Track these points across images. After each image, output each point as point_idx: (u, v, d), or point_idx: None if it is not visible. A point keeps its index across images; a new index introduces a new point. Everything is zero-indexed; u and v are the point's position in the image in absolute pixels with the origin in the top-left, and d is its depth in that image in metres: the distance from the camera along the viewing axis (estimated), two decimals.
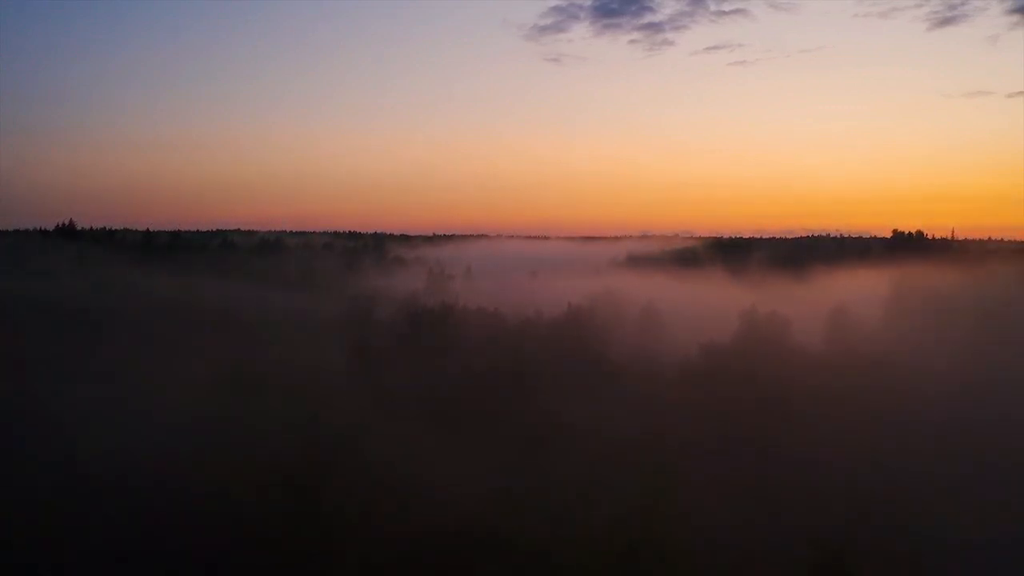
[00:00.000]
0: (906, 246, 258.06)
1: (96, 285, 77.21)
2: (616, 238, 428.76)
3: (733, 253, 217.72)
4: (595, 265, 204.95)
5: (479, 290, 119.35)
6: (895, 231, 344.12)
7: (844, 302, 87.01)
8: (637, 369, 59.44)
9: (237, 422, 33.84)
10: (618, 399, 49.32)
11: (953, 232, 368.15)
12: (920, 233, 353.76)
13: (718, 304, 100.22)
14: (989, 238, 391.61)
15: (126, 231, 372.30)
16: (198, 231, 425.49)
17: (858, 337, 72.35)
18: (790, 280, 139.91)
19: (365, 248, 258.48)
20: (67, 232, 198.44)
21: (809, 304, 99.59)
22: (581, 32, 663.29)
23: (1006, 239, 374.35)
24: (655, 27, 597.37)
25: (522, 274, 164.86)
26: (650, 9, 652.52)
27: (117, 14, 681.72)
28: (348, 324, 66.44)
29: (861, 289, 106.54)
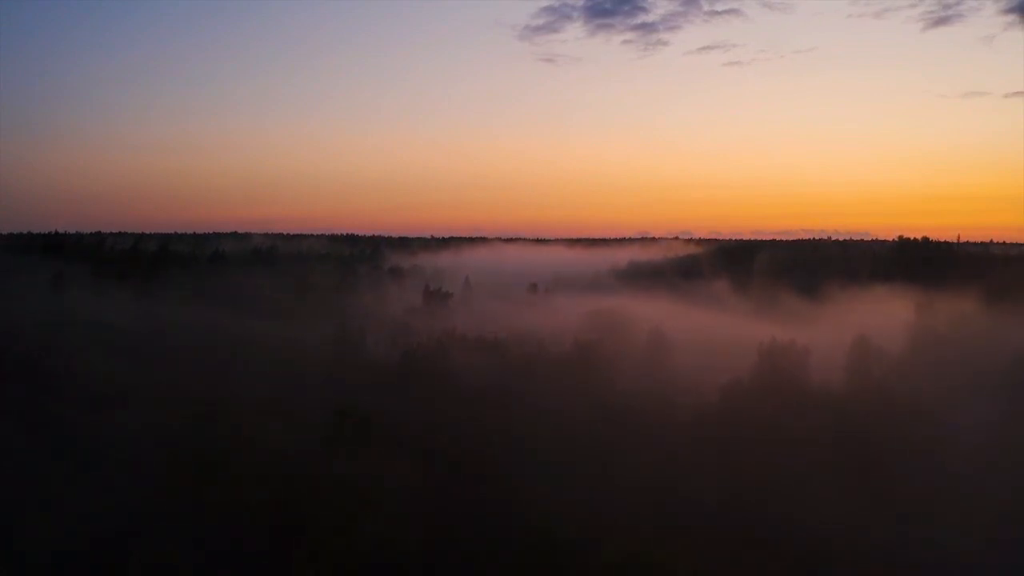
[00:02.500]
0: (914, 254, 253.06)
1: (58, 321, 71.62)
2: (615, 241, 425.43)
3: (737, 262, 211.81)
4: (596, 276, 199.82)
5: (477, 311, 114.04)
6: (901, 237, 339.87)
7: (865, 333, 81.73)
8: (650, 417, 53.94)
9: (160, 539, 27.71)
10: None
11: (959, 236, 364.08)
12: (926, 239, 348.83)
13: (730, 331, 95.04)
14: (991, 240, 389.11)
15: (117, 236, 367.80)
16: (195, 233, 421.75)
17: (887, 380, 66.92)
18: (801, 297, 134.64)
19: (362, 256, 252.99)
20: (53, 241, 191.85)
21: (827, 331, 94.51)
22: (574, 32, 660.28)
23: (1008, 241, 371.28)
24: (648, 27, 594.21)
25: (521, 287, 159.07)
26: (643, 9, 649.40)
27: (114, 14, 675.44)
28: (333, 369, 61.03)
29: (879, 313, 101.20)
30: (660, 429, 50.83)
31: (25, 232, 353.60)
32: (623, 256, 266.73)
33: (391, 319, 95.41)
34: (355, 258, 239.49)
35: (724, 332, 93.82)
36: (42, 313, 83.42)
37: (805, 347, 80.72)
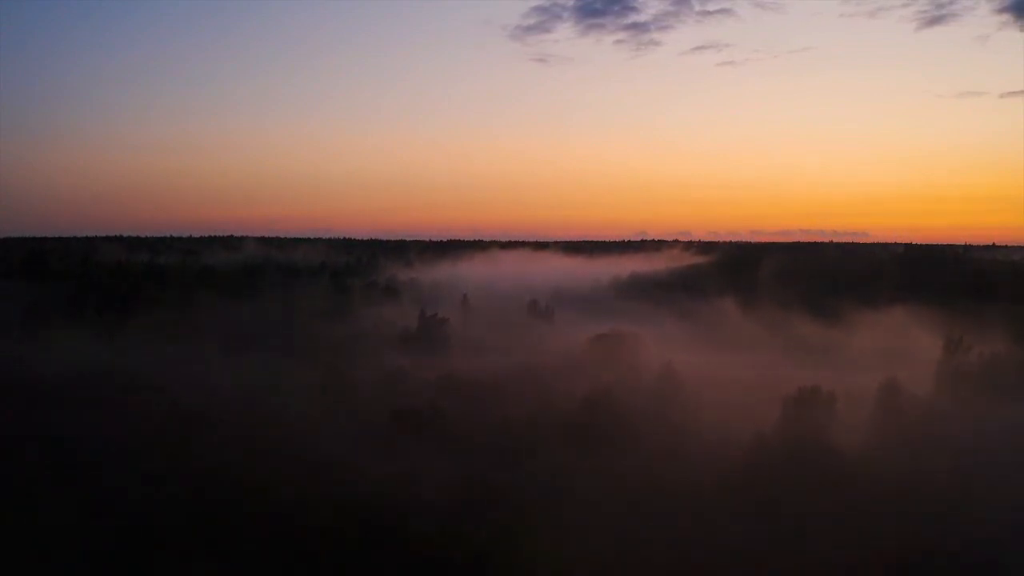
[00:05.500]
0: (924, 264, 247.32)
1: (18, 374, 65.70)
2: (614, 244, 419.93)
3: (742, 275, 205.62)
4: (597, 290, 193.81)
5: (475, 343, 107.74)
6: (909, 245, 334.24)
7: (893, 376, 75.42)
8: (668, 504, 47.69)
9: None
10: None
11: (965, 242, 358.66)
12: (933, 246, 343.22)
13: (746, 370, 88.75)
14: (994, 243, 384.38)
15: (112, 240, 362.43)
16: (191, 236, 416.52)
17: (927, 439, 60.64)
18: (815, 319, 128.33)
19: (358, 267, 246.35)
20: (37, 259, 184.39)
21: (850, 369, 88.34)
22: (566, 32, 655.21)
23: (1011, 244, 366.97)
24: (640, 27, 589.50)
25: (521, 305, 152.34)
26: (634, 9, 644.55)
27: (114, 14, 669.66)
28: (308, 440, 54.63)
29: (904, 352, 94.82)
30: (677, 517, 44.43)
31: (20, 236, 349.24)
32: (623, 266, 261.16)
33: (382, 360, 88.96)
34: (350, 269, 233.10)
35: (740, 372, 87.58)
36: (6, 358, 77.65)
37: (831, 393, 74.69)
